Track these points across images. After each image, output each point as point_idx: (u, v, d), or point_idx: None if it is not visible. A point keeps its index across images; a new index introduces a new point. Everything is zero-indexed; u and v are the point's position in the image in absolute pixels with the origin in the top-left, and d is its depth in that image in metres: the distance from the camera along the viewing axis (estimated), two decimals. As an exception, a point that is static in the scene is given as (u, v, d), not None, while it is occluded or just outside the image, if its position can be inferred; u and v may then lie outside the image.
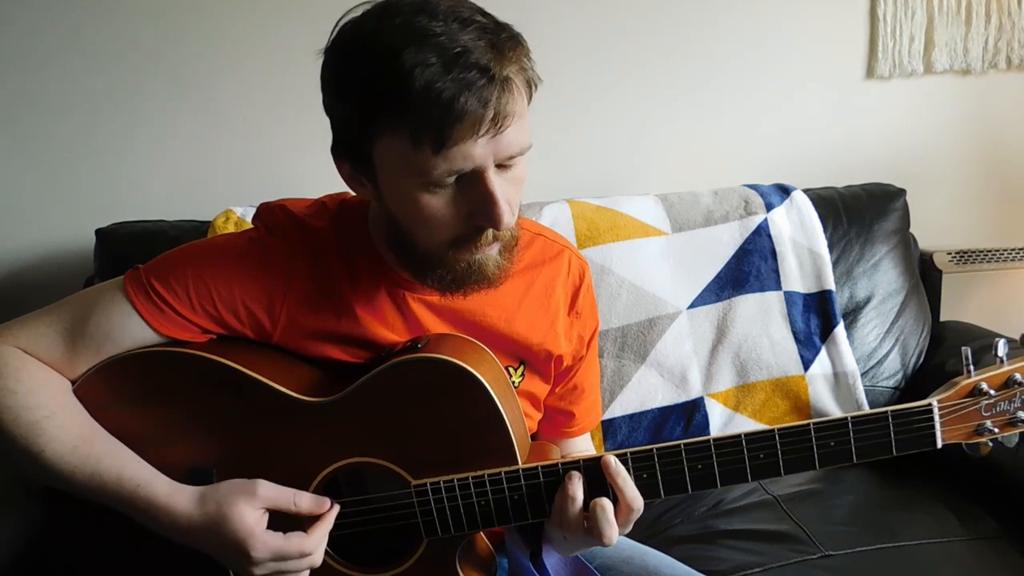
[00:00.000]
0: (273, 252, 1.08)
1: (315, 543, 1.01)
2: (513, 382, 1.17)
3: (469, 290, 1.03)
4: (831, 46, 2.10)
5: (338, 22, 0.96)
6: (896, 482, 1.69)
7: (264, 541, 0.99)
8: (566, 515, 1.00)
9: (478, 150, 0.90)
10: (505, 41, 0.91)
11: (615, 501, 1.00)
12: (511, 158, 0.94)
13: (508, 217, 0.94)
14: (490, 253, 1.00)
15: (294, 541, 1.00)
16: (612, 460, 1.01)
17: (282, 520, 1.02)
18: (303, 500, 1.03)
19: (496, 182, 0.93)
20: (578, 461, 1.02)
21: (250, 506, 1.00)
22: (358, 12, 0.95)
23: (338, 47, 0.95)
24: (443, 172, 0.91)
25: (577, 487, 1.00)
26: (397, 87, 0.87)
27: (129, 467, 1.02)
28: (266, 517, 1.01)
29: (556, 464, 1.02)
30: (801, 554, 1.46)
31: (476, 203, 0.94)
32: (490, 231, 0.97)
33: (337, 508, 1.05)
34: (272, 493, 1.01)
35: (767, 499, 1.64)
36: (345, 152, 1.00)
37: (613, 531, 0.99)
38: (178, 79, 1.89)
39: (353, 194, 1.14)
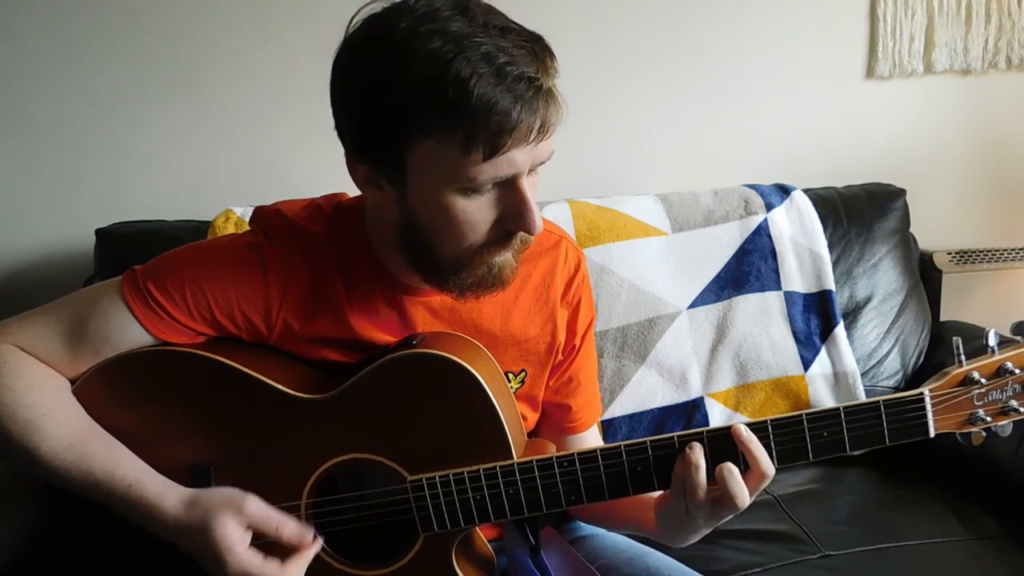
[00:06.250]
0: (270, 258, 1.07)
1: (289, 575, 1.01)
2: (512, 388, 1.17)
3: (485, 293, 1.03)
4: (831, 46, 2.10)
5: (353, 18, 0.94)
6: (896, 482, 1.69)
7: (240, 559, 0.98)
8: (692, 484, 0.98)
9: (522, 157, 0.92)
10: (543, 51, 0.92)
11: (745, 470, 0.98)
12: (540, 164, 0.96)
13: (540, 222, 0.96)
14: (508, 257, 1.01)
15: (268, 568, 0.99)
16: (743, 429, 0.98)
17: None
18: (286, 528, 1.02)
19: (528, 187, 0.95)
20: (671, 437, 1.00)
21: (235, 520, 0.99)
22: (378, 8, 0.93)
23: (368, 46, 0.92)
24: (488, 178, 0.92)
25: (699, 455, 0.98)
26: (453, 94, 0.87)
27: (122, 466, 1.02)
28: (250, 534, 1.01)
29: (551, 457, 1.02)
30: (801, 554, 1.46)
31: (510, 208, 0.95)
32: (518, 236, 0.98)
33: (320, 543, 1.04)
34: (259, 513, 1.01)
35: (767, 499, 1.64)
36: (369, 153, 0.97)
37: (745, 493, 0.97)
38: (178, 79, 1.90)
39: (348, 196, 1.15)
